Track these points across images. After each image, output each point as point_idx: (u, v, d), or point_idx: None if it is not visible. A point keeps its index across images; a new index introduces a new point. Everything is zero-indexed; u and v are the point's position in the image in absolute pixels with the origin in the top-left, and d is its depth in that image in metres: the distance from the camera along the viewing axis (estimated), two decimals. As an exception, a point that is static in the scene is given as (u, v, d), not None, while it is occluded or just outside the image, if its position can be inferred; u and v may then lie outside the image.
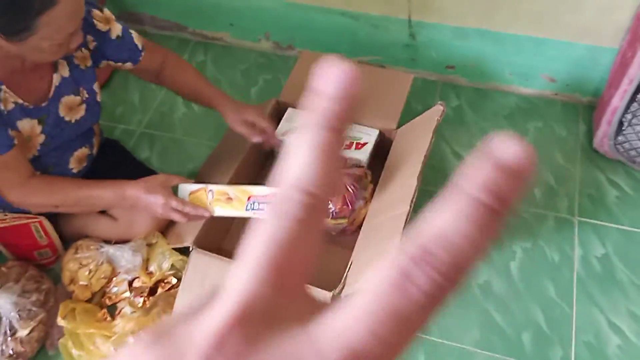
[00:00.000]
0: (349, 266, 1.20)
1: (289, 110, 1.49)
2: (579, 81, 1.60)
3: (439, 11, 1.55)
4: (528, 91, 1.66)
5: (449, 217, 0.17)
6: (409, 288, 0.16)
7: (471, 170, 0.17)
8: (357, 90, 0.19)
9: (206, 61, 1.83)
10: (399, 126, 1.42)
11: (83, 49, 1.12)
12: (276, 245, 0.18)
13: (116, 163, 1.39)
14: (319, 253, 0.19)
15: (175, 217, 1.15)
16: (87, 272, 1.25)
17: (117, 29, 1.16)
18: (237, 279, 0.18)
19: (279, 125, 1.46)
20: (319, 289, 1.14)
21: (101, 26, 1.12)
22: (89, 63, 1.15)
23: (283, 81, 1.76)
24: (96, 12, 1.11)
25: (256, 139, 1.30)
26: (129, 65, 1.21)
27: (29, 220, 1.25)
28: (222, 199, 1.19)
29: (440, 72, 1.71)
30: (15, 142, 1.05)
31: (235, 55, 1.84)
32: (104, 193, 1.12)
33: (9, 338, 1.18)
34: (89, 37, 1.12)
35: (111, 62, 1.19)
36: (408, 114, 1.43)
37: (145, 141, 1.64)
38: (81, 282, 1.26)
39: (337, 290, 1.14)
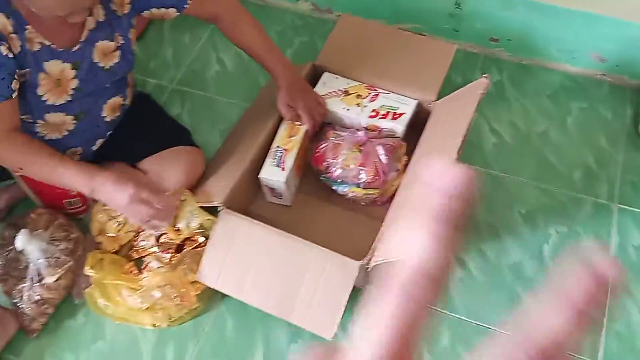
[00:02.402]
0: (378, 237, 1.18)
1: (325, 74, 1.45)
2: (630, 63, 1.52)
3: (489, -21, 1.48)
4: (574, 70, 1.59)
5: (559, 323, 0.20)
6: None
7: (574, 278, 0.20)
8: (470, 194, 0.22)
9: (242, 20, 1.79)
10: (438, 98, 1.38)
11: None
12: (401, 322, 0.22)
13: (148, 117, 1.37)
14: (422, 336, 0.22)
15: (143, 210, 1.07)
16: (115, 225, 1.26)
17: None
18: (367, 342, 0.21)
19: (315, 89, 1.42)
20: (347, 259, 1.13)
21: None
22: (127, 10, 1.12)
23: (319, 44, 1.71)
24: None
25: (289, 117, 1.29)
26: (172, 11, 1.16)
27: (62, 169, 1.25)
28: None
29: (483, 45, 1.64)
30: (14, 94, 1.02)
31: (271, 15, 1.80)
32: (71, 171, 1.06)
33: (37, 284, 1.20)
34: None
35: (154, 10, 1.14)
36: (447, 86, 1.39)
37: (177, 98, 1.62)
38: (110, 234, 1.27)
39: (365, 260, 1.12)
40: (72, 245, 1.25)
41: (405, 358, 0.21)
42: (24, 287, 1.20)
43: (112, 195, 1.05)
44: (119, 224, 1.27)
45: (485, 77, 1.24)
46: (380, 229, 1.26)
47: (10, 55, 0.99)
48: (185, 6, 1.17)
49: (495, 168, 1.43)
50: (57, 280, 1.21)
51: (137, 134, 1.33)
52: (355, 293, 1.10)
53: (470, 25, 1.61)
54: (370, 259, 1.12)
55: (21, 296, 1.20)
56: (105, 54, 1.12)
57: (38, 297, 1.19)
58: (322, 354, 0.22)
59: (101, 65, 1.13)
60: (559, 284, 0.21)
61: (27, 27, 1.00)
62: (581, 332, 0.20)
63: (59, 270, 1.20)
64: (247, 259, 1.18)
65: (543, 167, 1.43)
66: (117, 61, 1.15)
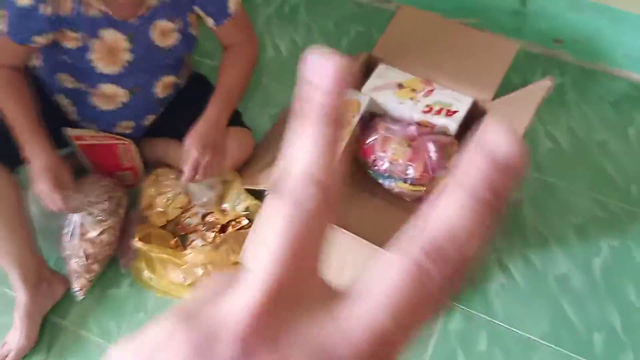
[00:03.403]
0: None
1: (381, 66, 1.43)
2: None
3: (559, -22, 1.42)
4: (641, 78, 1.52)
5: (453, 213, 0.18)
6: (425, 281, 0.18)
7: (470, 165, 0.18)
8: (351, 85, 0.20)
9: (299, 6, 1.79)
10: (495, 97, 1.34)
11: None
12: (293, 234, 0.19)
13: (201, 97, 1.38)
14: (324, 245, 0.20)
15: (47, 200, 1.10)
16: (164, 200, 1.28)
17: None
18: (261, 263, 0.19)
19: (368, 81, 1.41)
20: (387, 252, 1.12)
21: None
22: None
23: (376, 35, 1.69)
24: None
25: (184, 169, 1.18)
26: (210, 22, 1.17)
27: (118, 142, 1.28)
28: None
29: (546, 45, 1.58)
30: (34, 45, 1.06)
31: (329, 2, 1.78)
32: (24, 131, 1.08)
33: (79, 238, 1.22)
34: None
35: (196, 8, 1.15)
36: (504, 86, 1.35)
37: (231, 79, 1.63)
38: (158, 209, 1.29)
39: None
40: (114, 205, 1.27)
41: (299, 287, 0.19)
42: (69, 242, 1.23)
43: (35, 174, 1.09)
44: (167, 199, 1.30)
45: (548, 79, 1.19)
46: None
47: (47, 15, 1.02)
48: (222, 22, 1.17)
49: (549, 174, 1.39)
50: (99, 234, 1.23)
51: (189, 113, 1.34)
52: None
53: (534, 25, 1.55)
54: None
55: (69, 252, 1.23)
56: (164, 33, 1.14)
57: (82, 252, 1.22)
58: (222, 283, 0.20)
59: (158, 43, 1.14)
60: (459, 171, 0.18)
61: None
62: (485, 226, 0.18)
63: (102, 225, 1.23)
64: (290, 245, 1.18)
65: (599, 178, 1.38)
66: (174, 42, 1.16)
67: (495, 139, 0.18)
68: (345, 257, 1.14)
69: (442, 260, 0.18)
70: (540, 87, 1.20)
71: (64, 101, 1.24)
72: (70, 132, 1.26)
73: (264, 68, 1.65)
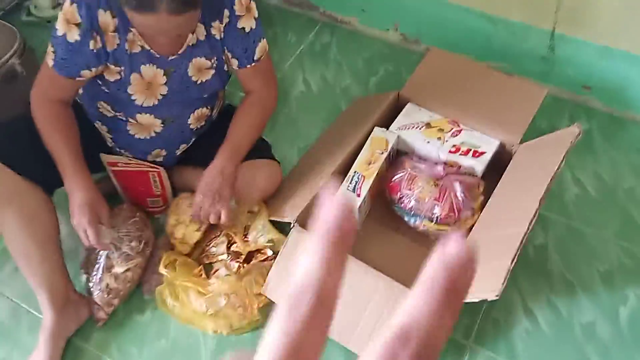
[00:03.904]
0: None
1: (409, 105, 1.46)
2: None
3: (588, 27, 1.45)
4: (670, 127, 1.52)
5: (423, 305, 0.21)
6: None
7: (431, 270, 0.22)
8: (352, 226, 0.24)
9: (331, 44, 1.84)
10: (522, 141, 1.35)
11: (218, 21, 1.13)
12: (290, 342, 0.22)
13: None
14: (322, 348, 0.23)
15: (82, 238, 1.14)
16: (182, 229, 1.30)
17: (248, 23, 1.14)
18: None
19: (397, 119, 1.43)
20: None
21: (237, 9, 1.12)
22: (223, 35, 1.16)
23: (404, 74, 1.73)
24: None
25: (191, 214, 1.24)
26: (235, 63, 1.20)
27: (149, 169, 1.31)
28: None
29: (574, 91, 1.60)
30: (79, 79, 1.11)
31: (360, 41, 1.83)
32: (66, 164, 1.12)
33: (105, 272, 1.25)
34: (226, 12, 1.12)
35: (225, 50, 1.18)
36: (531, 130, 1.36)
37: (261, 112, 1.67)
38: (177, 237, 1.31)
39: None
40: (142, 245, 1.29)
41: None
42: (95, 274, 1.25)
43: (73, 208, 1.12)
44: (186, 226, 1.31)
45: (576, 126, 1.20)
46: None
47: (95, 51, 1.07)
48: (246, 66, 1.20)
49: (576, 220, 1.38)
50: (125, 271, 1.26)
51: (219, 143, 1.38)
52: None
53: (562, 71, 1.57)
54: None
55: (94, 282, 1.26)
56: (200, 69, 1.18)
57: (105, 285, 1.25)
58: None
59: (194, 79, 1.19)
60: (423, 275, 0.22)
61: (132, 29, 1.07)
62: (448, 315, 0.21)
63: (129, 263, 1.25)
64: (313, 279, 1.19)
65: (627, 225, 1.36)
66: (209, 78, 1.20)
67: (452, 249, 0.22)
68: (372, 293, 1.14)
69: (410, 350, 0.21)
70: (569, 134, 1.21)
71: (101, 128, 1.29)
72: (105, 158, 1.30)
73: (294, 102, 1.69)
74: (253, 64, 1.20)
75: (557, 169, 1.14)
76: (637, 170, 1.45)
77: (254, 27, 1.15)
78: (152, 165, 1.32)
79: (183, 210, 1.32)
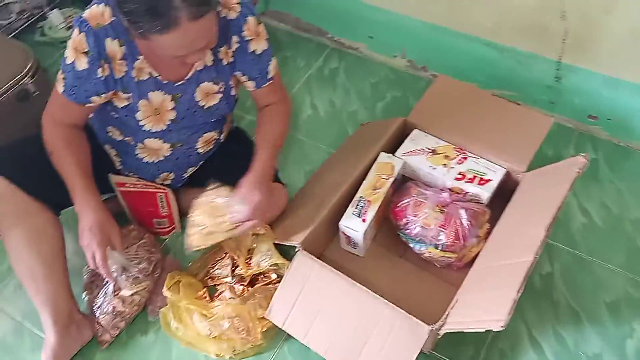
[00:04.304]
0: (453, 303, 1.15)
1: (415, 131, 1.47)
2: None
3: (594, 57, 1.46)
4: (677, 158, 1.52)
5: None
6: None
7: None
8: None
9: (339, 69, 1.86)
10: (528, 169, 1.35)
11: (226, 47, 1.15)
12: None
13: (240, 151, 1.43)
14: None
15: (97, 257, 1.12)
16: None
17: (259, 45, 1.16)
18: None
19: (402, 145, 1.44)
20: (418, 321, 1.11)
21: (247, 34, 1.14)
22: (231, 60, 1.18)
23: (411, 100, 1.74)
24: (251, 19, 1.12)
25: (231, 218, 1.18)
26: (251, 84, 1.22)
27: (157, 190, 1.32)
28: None
29: (580, 121, 1.61)
30: (89, 105, 1.12)
31: (367, 67, 1.85)
32: (76, 186, 1.12)
33: (112, 296, 1.25)
34: (234, 38, 1.14)
35: (239, 73, 1.20)
36: (537, 158, 1.37)
37: (268, 135, 1.68)
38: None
39: (437, 325, 1.10)
40: (151, 266, 1.30)
41: None
42: (102, 297, 1.26)
43: (83, 230, 1.12)
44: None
45: (583, 156, 1.20)
46: (453, 294, 1.23)
47: (103, 79, 1.08)
48: (262, 87, 1.22)
49: (582, 249, 1.37)
50: (132, 294, 1.26)
51: (227, 166, 1.38)
52: (421, 357, 1.08)
53: (568, 100, 1.58)
54: (442, 325, 1.10)
55: (99, 305, 1.26)
56: (207, 94, 1.20)
57: (111, 309, 1.25)
58: None
59: (201, 104, 1.20)
60: None
61: (139, 57, 1.09)
62: None
63: (136, 286, 1.26)
64: (317, 304, 1.18)
65: (634, 256, 1.36)
66: (217, 103, 1.22)
67: None
68: (376, 320, 1.13)
69: None
70: (575, 163, 1.21)
71: (110, 151, 1.30)
72: (114, 178, 1.31)
73: (302, 126, 1.70)
74: (269, 82, 1.23)
75: (564, 197, 1.14)
76: (644, 201, 1.45)
77: (265, 47, 1.17)
78: (160, 186, 1.33)
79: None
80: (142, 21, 0.92)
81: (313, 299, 1.19)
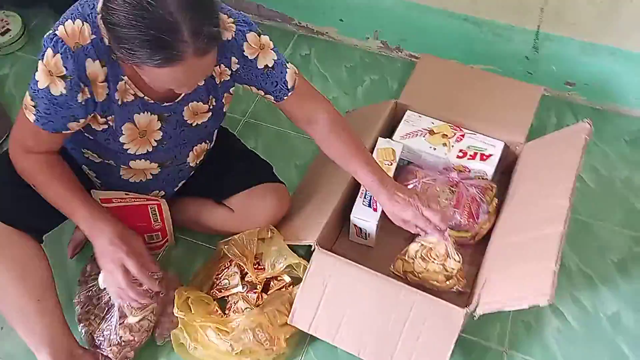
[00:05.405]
0: (482, 283, 1.13)
1: (408, 112, 1.43)
2: None
3: (572, 25, 1.48)
4: (651, 117, 1.59)
5: None
6: None
7: None
8: None
9: (310, 55, 1.79)
10: (527, 140, 1.36)
11: (223, 65, 1.05)
12: None
13: (231, 152, 1.34)
14: None
15: (119, 278, 0.99)
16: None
17: (268, 58, 1.05)
18: None
19: (399, 128, 1.40)
20: (452, 305, 1.08)
21: (249, 53, 1.03)
22: (226, 78, 1.08)
23: (391, 82, 1.71)
24: (251, 35, 1.02)
25: (415, 231, 1.16)
26: (270, 98, 1.12)
27: (148, 202, 1.20)
28: None
29: (557, 88, 1.63)
30: (66, 132, 0.99)
31: (340, 51, 1.79)
32: (78, 207, 1.01)
33: (118, 325, 1.13)
34: (234, 59, 1.04)
35: (254, 89, 1.10)
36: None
37: (250, 131, 1.59)
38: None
39: (472, 307, 1.07)
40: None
41: None
42: (106, 328, 1.13)
43: (104, 247, 1.00)
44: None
45: (587, 122, 1.22)
46: (473, 273, 1.22)
47: (83, 103, 0.94)
48: (285, 98, 1.11)
49: (582, 213, 1.40)
50: (139, 321, 1.15)
51: (221, 170, 1.29)
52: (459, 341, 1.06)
53: (546, 69, 1.60)
54: (477, 306, 1.07)
55: (104, 336, 1.13)
56: (196, 113, 1.09)
57: (119, 339, 1.13)
58: None
59: (189, 122, 1.09)
60: None
61: (124, 77, 0.96)
62: None
63: (141, 312, 1.14)
64: (343, 303, 1.13)
65: (631, 214, 1.40)
66: (205, 121, 1.11)
67: None
68: (407, 311, 1.08)
69: None
70: (580, 129, 1.22)
71: (89, 172, 1.17)
72: (97, 194, 1.17)
73: (284, 119, 1.59)
74: (290, 93, 1.11)
75: (578, 165, 1.15)
76: (629, 160, 1.50)
77: (275, 58, 1.06)
78: (151, 197, 1.22)
79: None
80: (139, 51, 0.79)
81: (338, 297, 1.13)
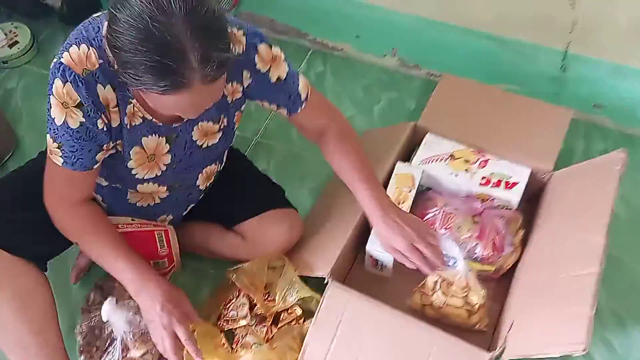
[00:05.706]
0: (509, 325, 1.05)
1: (429, 135, 1.36)
2: None
3: (602, 46, 1.41)
4: (684, 142, 1.51)
5: None
6: None
7: None
8: None
9: (325, 72, 1.73)
10: (555, 167, 1.28)
11: (235, 82, 0.99)
12: None
13: (242, 175, 1.28)
14: None
15: (166, 340, 0.95)
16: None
17: (280, 71, 1.00)
18: None
19: (418, 152, 1.33)
20: (476, 348, 1.01)
21: (261, 66, 0.98)
22: (238, 96, 1.02)
23: (408, 102, 1.64)
24: (263, 47, 0.96)
25: (410, 265, 1.07)
26: (283, 111, 1.07)
27: (155, 229, 1.15)
28: None
29: (585, 111, 1.56)
30: (97, 166, 0.94)
31: (356, 68, 1.73)
32: (125, 269, 0.96)
33: (120, 358, 1.07)
34: (245, 74, 0.98)
35: (265, 103, 1.06)
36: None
37: (262, 151, 1.53)
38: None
39: (498, 351, 1.00)
40: None
41: None
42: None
43: (154, 313, 0.95)
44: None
45: (621, 151, 1.14)
46: (497, 310, 1.15)
47: (105, 129, 0.89)
48: (298, 111, 1.06)
49: (612, 247, 1.30)
50: (143, 354, 1.08)
51: (231, 194, 1.23)
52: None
53: (573, 90, 1.53)
54: (503, 350, 1.00)
55: (103, 373, 1.07)
56: (207, 134, 1.03)
57: (122, 375, 1.07)
58: None
59: (199, 143, 1.04)
60: None
61: (132, 101, 0.91)
62: None
63: (145, 345, 1.08)
64: (358, 340, 1.06)
65: (663, 248, 1.32)
66: (215, 142, 1.06)
67: None
68: (427, 352, 1.01)
69: None
70: (613, 160, 1.14)
71: (96, 196, 1.11)
72: (103, 220, 1.12)
73: (297, 139, 1.55)
74: (303, 105, 1.06)
75: (613, 199, 1.07)
76: (662, 189, 1.42)
77: (287, 70, 1.01)
78: (158, 223, 1.16)
79: None
80: (144, 77, 0.73)
81: (353, 334, 1.06)
